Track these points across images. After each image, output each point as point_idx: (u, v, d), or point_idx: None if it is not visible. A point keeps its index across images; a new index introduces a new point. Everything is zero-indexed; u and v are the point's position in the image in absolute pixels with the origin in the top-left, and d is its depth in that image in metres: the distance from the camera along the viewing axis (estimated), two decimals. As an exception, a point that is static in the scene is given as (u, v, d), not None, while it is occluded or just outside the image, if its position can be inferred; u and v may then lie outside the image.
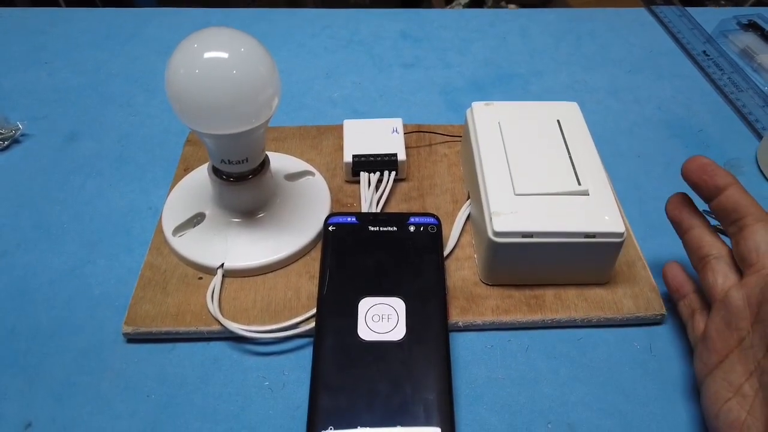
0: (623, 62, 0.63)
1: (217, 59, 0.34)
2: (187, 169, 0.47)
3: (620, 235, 0.37)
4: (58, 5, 1.62)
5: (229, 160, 0.38)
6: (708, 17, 0.69)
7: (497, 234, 0.37)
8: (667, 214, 0.38)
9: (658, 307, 0.39)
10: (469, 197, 0.45)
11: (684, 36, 0.65)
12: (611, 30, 0.68)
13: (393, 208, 0.45)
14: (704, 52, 0.63)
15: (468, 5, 1.77)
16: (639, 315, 0.38)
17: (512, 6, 1.70)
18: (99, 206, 0.46)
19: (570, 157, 0.41)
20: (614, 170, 0.49)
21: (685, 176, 0.36)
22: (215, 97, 0.34)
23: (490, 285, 0.40)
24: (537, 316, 0.38)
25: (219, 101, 0.34)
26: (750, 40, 0.65)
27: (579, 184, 0.39)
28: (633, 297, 0.39)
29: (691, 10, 0.70)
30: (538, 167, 0.40)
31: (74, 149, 0.51)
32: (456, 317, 0.38)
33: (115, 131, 0.53)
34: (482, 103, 0.46)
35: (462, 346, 0.38)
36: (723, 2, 1.84)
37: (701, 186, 0.35)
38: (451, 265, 0.41)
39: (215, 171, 0.40)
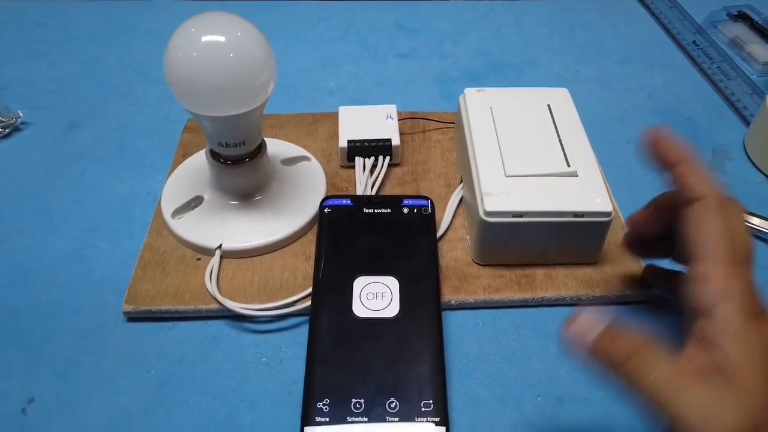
0: (615, 52, 0.64)
1: (214, 42, 0.35)
2: (185, 155, 0.48)
3: (608, 214, 0.38)
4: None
5: (226, 143, 0.39)
6: (698, 8, 0.70)
7: (488, 214, 0.38)
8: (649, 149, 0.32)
9: (646, 287, 0.40)
10: (461, 181, 0.46)
11: (674, 26, 0.66)
12: (603, 21, 0.69)
13: (387, 192, 0.46)
14: (694, 42, 0.64)
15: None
16: (627, 293, 0.39)
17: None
18: (99, 192, 0.47)
19: (560, 140, 0.42)
20: (606, 156, 0.50)
21: (644, 146, 0.32)
22: (212, 79, 0.35)
23: (482, 265, 0.41)
24: (527, 295, 0.39)
25: (216, 83, 0.35)
26: (739, 30, 0.66)
27: (568, 165, 0.40)
28: (621, 276, 0.40)
29: (681, 0, 0.71)
30: (529, 149, 0.41)
31: (74, 137, 0.52)
32: (448, 296, 0.39)
33: (115, 120, 0.54)
34: (474, 89, 0.46)
35: (454, 323, 0.39)
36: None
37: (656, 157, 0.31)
38: (444, 247, 0.42)
39: (213, 154, 0.41)
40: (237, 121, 0.37)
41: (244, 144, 0.40)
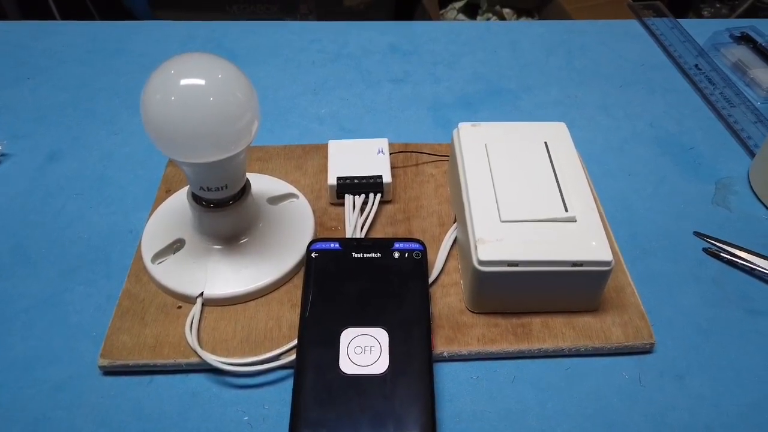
0: (614, 76, 0.62)
1: (193, 86, 0.33)
2: (168, 191, 0.47)
3: (608, 263, 0.36)
4: (52, 16, 1.60)
5: (208, 187, 0.37)
6: (700, 30, 0.68)
7: (482, 263, 0.36)
8: None
9: (647, 336, 0.38)
10: (456, 220, 0.44)
11: (676, 49, 0.65)
12: (602, 43, 0.67)
13: (378, 232, 0.44)
14: (696, 65, 0.62)
15: (462, 9, 1.76)
16: (628, 344, 0.38)
17: (507, 10, 1.69)
18: (78, 229, 0.45)
19: (557, 182, 0.40)
20: (604, 190, 0.49)
21: None
22: (192, 124, 0.33)
23: (476, 313, 0.39)
24: (524, 346, 0.37)
25: (196, 129, 0.33)
26: (742, 53, 0.64)
27: (566, 210, 0.38)
28: (622, 325, 0.38)
29: (683, 22, 0.69)
30: (525, 192, 0.39)
31: (54, 169, 0.50)
32: (441, 347, 0.37)
33: (97, 150, 0.52)
34: (469, 124, 0.45)
35: (447, 376, 0.37)
36: (718, 5, 1.84)
37: None
38: (436, 292, 0.40)
39: (194, 197, 0.39)
40: (219, 167, 0.35)
41: (226, 188, 0.38)
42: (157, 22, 0.69)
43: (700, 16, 1.80)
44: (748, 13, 1.69)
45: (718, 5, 1.84)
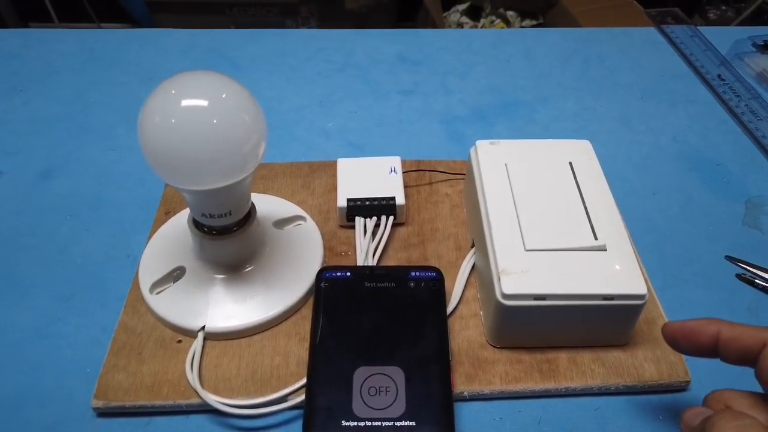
0: (634, 87, 0.60)
1: (195, 107, 0.31)
2: (168, 213, 0.44)
3: (642, 297, 0.33)
4: (50, 20, 1.57)
5: (210, 214, 0.35)
6: (722, 38, 0.66)
7: (506, 296, 0.33)
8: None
9: (683, 373, 0.35)
10: (473, 245, 0.41)
11: (697, 59, 0.62)
12: (620, 52, 0.64)
13: (391, 257, 0.42)
14: (719, 76, 0.60)
15: (466, 12, 1.74)
16: (662, 382, 0.35)
17: (511, 13, 1.67)
18: (73, 254, 0.42)
19: (585, 207, 0.37)
20: (628, 210, 0.46)
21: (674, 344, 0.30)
22: (194, 149, 0.30)
23: (498, 347, 0.36)
24: (550, 384, 0.35)
25: (198, 154, 0.31)
26: (767, 62, 0.61)
27: (595, 238, 0.35)
28: (654, 361, 0.36)
29: (703, 29, 0.67)
30: (550, 218, 0.36)
31: (48, 188, 0.47)
32: (461, 386, 0.35)
33: (93, 167, 0.49)
34: (487, 141, 0.42)
35: (467, 418, 0.34)
36: (724, 7, 1.81)
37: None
38: (455, 324, 0.38)
39: (195, 224, 0.36)
40: (222, 193, 0.33)
41: (230, 214, 0.35)
42: (157, 30, 0.66)
43: (706, 18, 1.77)
44: (754, 16, 1.67)
45: (723, 8, 1.82)
